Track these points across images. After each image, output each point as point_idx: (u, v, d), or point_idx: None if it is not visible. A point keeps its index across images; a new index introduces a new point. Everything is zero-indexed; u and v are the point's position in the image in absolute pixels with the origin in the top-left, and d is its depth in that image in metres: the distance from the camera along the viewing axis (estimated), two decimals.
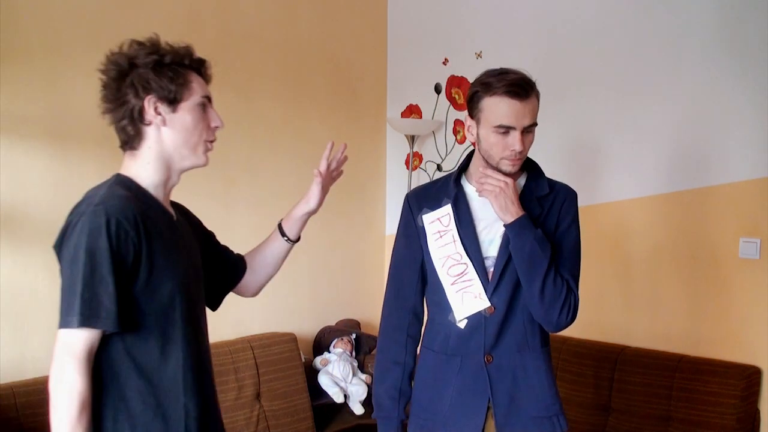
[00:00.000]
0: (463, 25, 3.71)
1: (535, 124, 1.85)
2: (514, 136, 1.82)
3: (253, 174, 3.37)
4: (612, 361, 3.03)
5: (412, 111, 3.94)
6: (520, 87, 1.80)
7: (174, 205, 1.74)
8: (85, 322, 1.45)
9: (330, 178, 1.97)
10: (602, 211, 3.23)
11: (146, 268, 1.51)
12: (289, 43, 3.63)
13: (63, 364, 1.45)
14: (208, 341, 1.73)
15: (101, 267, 1.46)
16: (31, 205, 2.75)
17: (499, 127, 1.82)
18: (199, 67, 1.66)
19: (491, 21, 3.60)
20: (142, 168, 1.62)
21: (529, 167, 1.98)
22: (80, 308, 1.45)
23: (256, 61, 3.48)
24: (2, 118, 2.66)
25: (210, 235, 1.87)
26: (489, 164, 1.89)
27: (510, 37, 3.50)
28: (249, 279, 1.92)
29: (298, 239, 1.95)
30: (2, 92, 2.65)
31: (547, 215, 1.91)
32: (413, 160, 3.88)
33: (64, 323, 1.47)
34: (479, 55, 3.57)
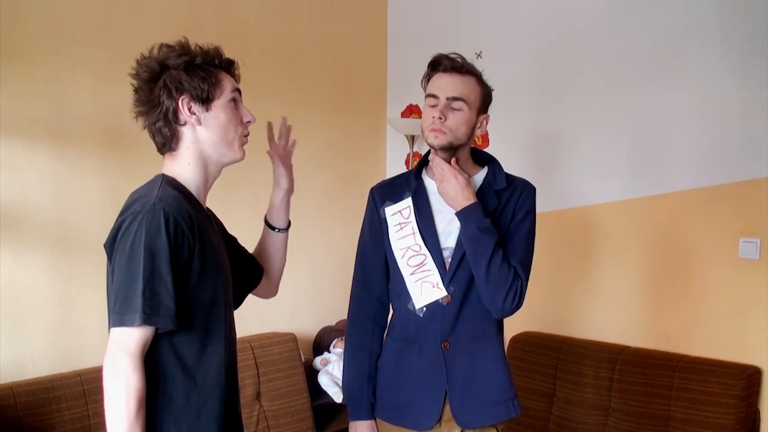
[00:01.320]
0: (463, 25, 3.71)
1: (462, 100, 1.92)
2: (437, 105, 1.92)
3: (253, 174, 3.36)
4: (612, 361, 3.03)
5: (412, 111, 3.94)
6: (446, 62, 1.94)
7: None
8: (147, 320, 1.46)
9: (287, 154, 1.95)
10: (602, 211, 3.22)
11: (198, 267, 1.55)
12: (289, 43, 3.63)
13: (119, 361, 1.46)
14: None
15: (161, 265, 1.47)
16: (31, 205, 2.75)
17: (428, 97, 1.95)
18: (229, 67, 1.70)
19: (491, 21, 3.60)
20: (183, 168, 1.65)
21: (490, 163, 2.06)
22: (142, 306, 1.45)
23: (256, 61, 3.47)
24: (2, 118, 2.66)
25: (234, 238, 1.89)
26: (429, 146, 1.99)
27: (510, 37, 3.50)
28: (264, 280, 1.95)
29: (289, 225, 1.97)
30: (3, 92, 2.65)
31: (504, 208, 1.99)
32: (413, 160, 3.88)
33: (121, 322, 1.47)
34: (479, 55, 3.57)
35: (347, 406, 2.13)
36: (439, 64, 1.95)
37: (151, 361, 1.51)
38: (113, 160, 2.94)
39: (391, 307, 2.12)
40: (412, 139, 3.82)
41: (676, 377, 2.84)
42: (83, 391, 2.66)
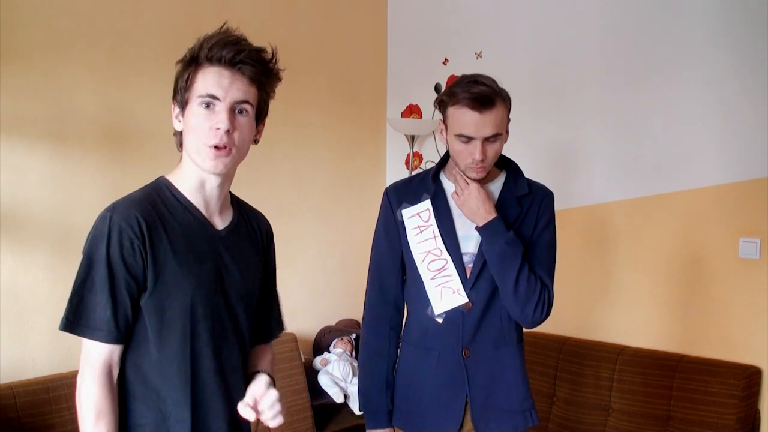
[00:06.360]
0: (463, 25, 3.71)
1: (499, 134, 1.85)
2: (475, 146, 1.84)
3: (253, 174, 3.37)
4: (612, 361, 3.03)
5: (412, 111, 3.94)
6: (481, 99, 1.80)
7: (249, 218, 1.69)
8: (68, 327, 1.42)
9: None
10: (603, 212, 3.22)
11: (153, 273, 1.44)
12: (289, 43, 3.63)
13: (82, 372, 1.44)
14: (239, 360, 1.62)
15: (96, 274, 1.41)
16: (31, 205, 2.75)
17: (460, 135, 1.84)
18: (234, 59, 1.48)
19: (491, 21, 3.60)
20: (180, 170, 1.55)
21: (508, 167, 2.01)
22: (66, 312, 1.43)
23: None
24: (2, 118, 2.66)
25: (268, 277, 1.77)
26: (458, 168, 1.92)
27: (510, 37, 3.50)
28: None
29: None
30: (2, 92, 2.65)
31: (526, 215, 1.94)
32: (413, 160, 3.88)
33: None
34: (479, 55, 3.57)
35: (364, 414, 2.07)
36: (467, 99, 1.81)
37: (120, 374, 1.47)
38: (113, 160, 2.94)
39: (405, 311, 2.07)
40: (412, 139, 3.82)
41: (676, 377, 2.84)
42: None
